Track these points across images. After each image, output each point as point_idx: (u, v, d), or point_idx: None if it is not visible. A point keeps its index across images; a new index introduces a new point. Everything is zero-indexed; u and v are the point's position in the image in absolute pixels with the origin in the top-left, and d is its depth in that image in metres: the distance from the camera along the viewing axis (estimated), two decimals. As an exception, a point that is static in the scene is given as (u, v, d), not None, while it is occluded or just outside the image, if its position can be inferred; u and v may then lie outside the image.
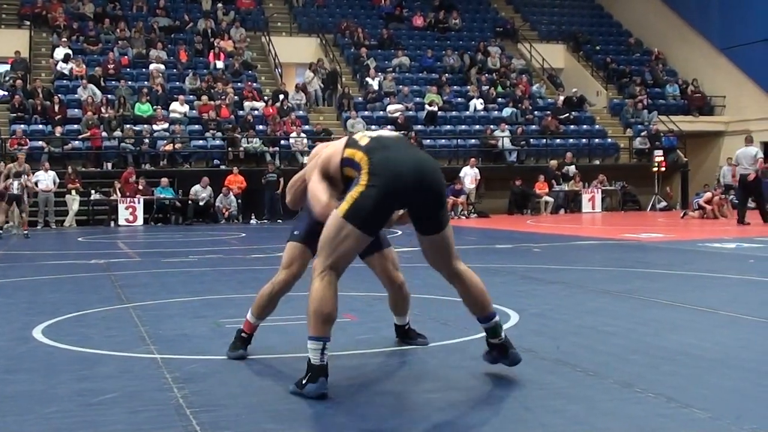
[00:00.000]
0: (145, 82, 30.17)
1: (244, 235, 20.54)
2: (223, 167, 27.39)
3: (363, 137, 5.06)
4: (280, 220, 25.91)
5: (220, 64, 31.90)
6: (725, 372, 5.38)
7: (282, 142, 28.79)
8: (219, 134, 28.25)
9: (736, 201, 22.78)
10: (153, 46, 31.95)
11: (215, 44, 32.72)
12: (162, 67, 31.06)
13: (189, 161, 27.99)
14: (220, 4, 35.41)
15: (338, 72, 33.08)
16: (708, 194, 25.17)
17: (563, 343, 6.34)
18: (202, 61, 32.27)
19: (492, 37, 37.62)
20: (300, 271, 5.82)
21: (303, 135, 28.83)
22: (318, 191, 5.10)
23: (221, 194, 26.06)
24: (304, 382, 4.77)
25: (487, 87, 33.29)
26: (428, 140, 29.59)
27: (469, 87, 33.18)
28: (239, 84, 31.07)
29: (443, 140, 30.19)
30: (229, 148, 28.00)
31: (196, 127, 28.65)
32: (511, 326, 7.06)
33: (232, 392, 4.99)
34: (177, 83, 30.72)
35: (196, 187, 25.81)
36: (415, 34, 37.14)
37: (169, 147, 27.46)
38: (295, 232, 5.86)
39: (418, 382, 5.21)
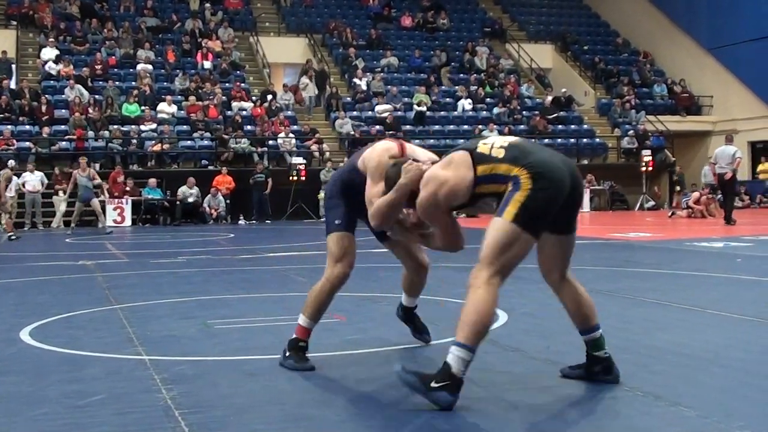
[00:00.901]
0: (133, 83, 30.13)
1: (232, 235, 20.52)
2: (211, 168, 27.38)
3: (493, 149, 4.85)
4: (268, 221, 25.90)
5: (208, 65, 31.87)
6: (713, 370, 5.39)
7: (270, 142, 28.78)
8: (207, 134, 28.24)
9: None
10: (141, 46, 31.91)
11: (203, 44, 32.69)
12: (150, 67, 31.02)
13: (177, 162, 27.96)
14: (207, 5, 35.39)
15: (327, 72, 33.06)
16: (696, 194, 25.27)
17: (553, 343, 6.35)
18: (189, 62, 32.22)
19: (480, 37, 37.68)
20: (353, 261, 5.67)
21: (291, 135, 28.84)
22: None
23: (209, 195, 26.03)
24: (435, 385, 4.49)
25: (476, 87, 33.32)
26: (417, 140, 29.53)
27: (457, 87, 33.20)
28: (227, 84, 31.04)
29: (432, 140, 30.18)
30: (218, 149, 27.98)
31: (184, 127, 28.63)
32: (501, 325, 7.07)
33: (221, 393, 4.97)
34: (165, 83, 30.68)
35: (183, 188, 25.76)
36: (403, 34, 37.18)
37: (157, 147, 27.44)
38: (337, 222, 5.63)
39: (397, 386, 5.20)
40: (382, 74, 33.19)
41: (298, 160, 27.47)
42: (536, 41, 38.77)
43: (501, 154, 4.78)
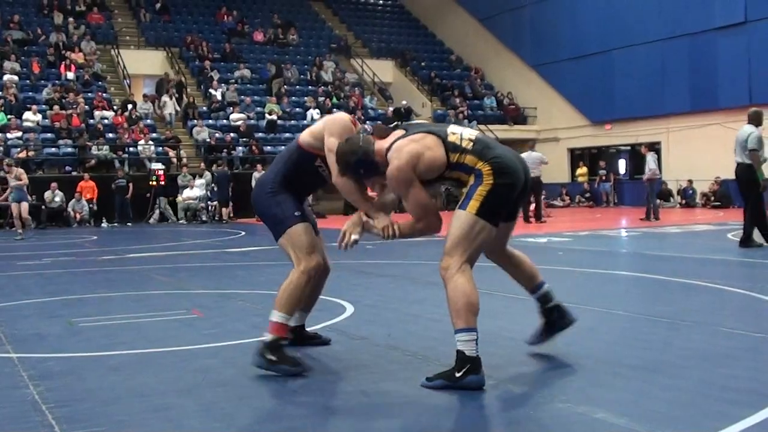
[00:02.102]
0: (-1, 93, 29.18)
1: (95, 237, 20.04)
2: (75, 173, 26.69)
3: (462, 140, 4.86)
4: (129, 224, 25.40)
5: (71, 76, 31.07)
6: (536, 351, 5.55)
7: (131, 149, 28.22)
8: (70, 142, 27.54)
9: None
10: (7, 58, 30.89)
11: (67, 56, 31.86)
12: (15, 78, 30.07)
13: (42, 168, 27.14)
14: (71, 19, 34.56)
15: (183, 83, 32.64)
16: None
17: (395, 331, 6.42)
18: (54, 73, 31.35)
19: (327, 52, 37.76)
20: (323, 250, 5.48)
21: (151, 142, 28.37)
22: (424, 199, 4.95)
23: (74, 199, 25.38)
24: (459, 375, 4.55)
25: (323, 98, 33.39)
26: (269, 147, 29.47)
27: (305, 98, 33.19)
28: (90, 94, 30.32)
29: (282, 147, 30.08)
30: (80, 156, 27.31)
31: (49, 135, 27.82)
32: (347, 317, 7.12)
33: (87, 388, 4.87)
34: (30, 93, 29.77)
35: (47, 193, 25.06)
36: (256, 48, 36.95)
37: (23, 154, 26.57)
38: (296, 213, 5.23)
39: (252, 376, 5.20)
40: (236, 85, 32.96)
41: (157, 166, 27.04)
42: (378, 57, 39.06)
43: (470, 146, 4.84)
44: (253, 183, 21.99)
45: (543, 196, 23.66)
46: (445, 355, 5.38)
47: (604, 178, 32.39)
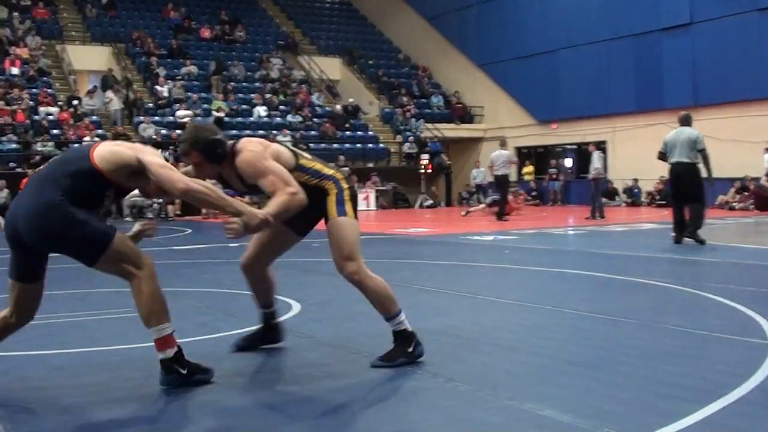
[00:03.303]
0: (-58, 88, 28.68)
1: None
2: (19, 170, 26.28)
3: (303, 152, 5.21)
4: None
5: (15, 71, 30.63)
6: (483, 349, 5.56)
7: (75, 145, 27.88)
8: (15, 138, 27.15)
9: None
10: (-50, 53, 30.44)
11: (11, 51, 31.40)
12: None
13: (-15, 164, 26.75)
14: (16, 13, 34.08)
15: (129, 79, 32.32)
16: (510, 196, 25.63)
17: (341, 330, 6.39)
18: (-2, 68, 30.93)
19: (274, 49, 37.62)
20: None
21: (97, 139, 28.04)
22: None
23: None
24: (412, 349, 5.09)
25: (270, 95, 33.26)
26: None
27: (252, 95, 33.03)
28: (34, 90, 29.91)
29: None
30: (25, 152, 26.92)
31: (-7, 131, 27.42)
32: (294, 315, 7.08)
33: (29, 386, 4.81)
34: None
35: (-7, 189, 24.68)
36: (202, 44, 36.70)
37: (-35, 150, 26.19)
38: (109, 224, 4.59)
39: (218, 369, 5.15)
40: (182, 82, 32.70)
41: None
42: (326, 54, 38.99)
43: (309, 156, 5.19)
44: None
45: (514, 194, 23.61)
46: (392, 353, 5.38)
47: (554, 176, 32.62)
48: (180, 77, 33.07)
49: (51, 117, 28.62)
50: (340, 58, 39.14)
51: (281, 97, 33.56)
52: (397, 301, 5.15)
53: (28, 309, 4.82)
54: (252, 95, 33.17)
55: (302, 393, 4.54)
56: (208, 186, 4.53)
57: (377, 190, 30.68)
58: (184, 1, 39.07)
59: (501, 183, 21.53)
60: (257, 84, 34.46)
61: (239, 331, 6.09)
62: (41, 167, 4.69)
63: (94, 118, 29.65)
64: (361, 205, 29.64)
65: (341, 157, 30.66)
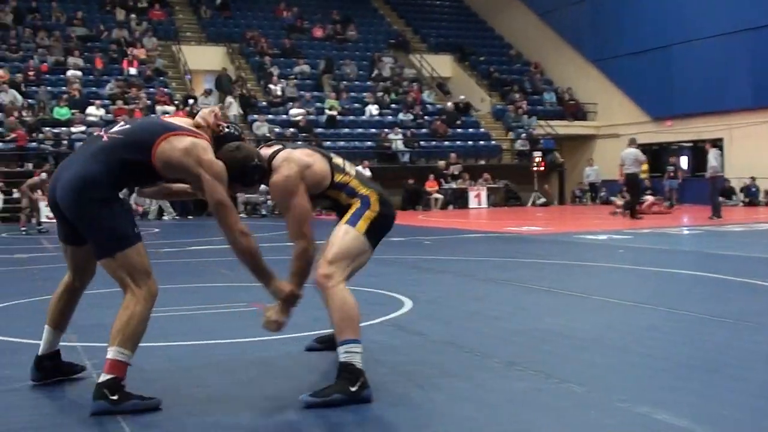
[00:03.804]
0: (63, 88, 29.59)
1: (158, 230, 20.22)
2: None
3: (345, 165, 4.93)
4: (190, 216, 25.62)
5: (133, 71, 31.46)
6: (597, 350, 5.50)
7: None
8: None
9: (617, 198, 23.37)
10: (71, 53, 31.38)
11: (129, 52, 32.28)
12: (79, 73, 30.53)
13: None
14: (133, 15, 35.00)
15: (243, 78, 32.88)
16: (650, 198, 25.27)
17: (453, 328, 6.39)
18: (116, 68, 31.75)
19: (385, 48, 37.78)
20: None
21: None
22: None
23: (135, 193, 25.55)
24: (355, 389, 4.32)
25: (382, 94, 33.42)
26: (328, 142, 29.54)
27: (364, 94, 33.24)
28: (152, 89, 30.67)
29: (342, 142, 30.17)
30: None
31: (112, 129, 28.20)
32: (405, 312, 7.11)
33: (145, 377, 4.90)
34: (93, 89, 30.20)
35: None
36: (315, 44, 37.08)
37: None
38: (136, 230, 4.42)
39: (309, 368, 5.21)
40: (295, 81, 33.11)
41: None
42: (437, 52, 38.94)
43: (353, 171, 4.91)
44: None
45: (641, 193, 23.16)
46: (505, 353, 5.37)
47: (671, 174, 31.93)
48: (293, 76, 33.49)
49: (167, 116, 29.27)
50: (451, 56, 39.05)
51: (392, 96, 33.68)
52: (359, 332, 4.47)
53: (85, 269, 4.77)
54: (364, 94, 33.37)
55: (413, 391, 4.56)
56: (253, 250, 4.43)
57: (489, 188, 30.57)
58: (296, 1, 39.52)
59: (631, 182, 21.24)
60: (369, 83, 34.67)
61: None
62: (100, 133, 4.53)
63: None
64: (473, 203, 29.62)
65: (452, 155, 30.64)
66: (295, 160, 4.69)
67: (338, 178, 4.79)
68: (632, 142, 21.76)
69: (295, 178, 4.62)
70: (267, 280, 4.53)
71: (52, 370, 4.81)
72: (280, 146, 4.88)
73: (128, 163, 4.32)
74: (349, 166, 4.93)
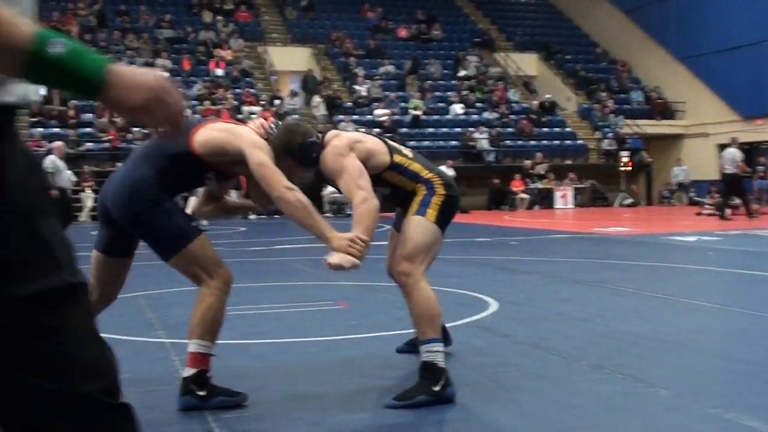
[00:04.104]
0: (153, 89, 30.20)
1: (244, 229, 20.48)
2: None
3: (403, 148, 4.85)
4: (277, 216, 25.87)
5: (220, 72, 31.95)
6: (685, 354, 5.43)
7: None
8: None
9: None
10: (158, 55, 31.96)
11: (215, 54, 32.80)
12: (167, 74, 31.08)
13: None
14: (219, 17, 35.52)
15: (329, 79, 33.13)
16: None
17: (539, 330, 6.36)
18: (203, 69, 32.26)
19: (470, 47, 37.70)
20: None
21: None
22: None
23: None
24: (438, 388, 4.30)
25: (467, 93, 33.36)
26: (413, 142, 29.57)
27: (449, 93, 33.22)
28: (238, 90, 31.09)
29: (426, 142, 30.20)
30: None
31: (200, 129, 28.67)
32: (491, 313, 7.10)
33: (233, 374, 4.97)
34: (181, 89, 30.73)
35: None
36: (399, 44, 37.16)
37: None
38: (194, 224, 4.40)
39: (394, 367, 5.23)
40: (380, 81, 33.24)
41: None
42: (522, 50, 38.72)
43: (410, 154, 4.80)
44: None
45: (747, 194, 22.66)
46: (592, 356, 5.33)
47: (761, 175, 31.24)
48: (378, 77, 33.63)
49: (254, 116, 29.66)
50: (536, 54, 38.80)
51: (478, 95, 33.61)
52: (439, 330, 4.47)
53: (112, 284, 4.64)
54: (448, 93, 33.36)
55: (498, 393, 4.56)
56: (303, 202, 4.17)
57: (575, 188, 30.31)
58: (381, 2, 39.65)
59: (730, 182, 20.88)
60: (453, 82, 34.64)
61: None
62: (146, 142, 4.57)
63: (296, 116, 30.52)
64: (559, 203, 29.39)
65: (538, 154, 30.45)
66: (344, 135, 4.63)
67: (397, 158, 4.69)
68: (733, 142, 21.42)
69: (343, 147, 4.47)
70: (321, 232, 4.21)
71: None
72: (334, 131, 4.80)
73: (171, 158, 4.30)
74: (406, 151, 4.83)
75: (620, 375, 4.83)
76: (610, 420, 4.06)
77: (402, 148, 4.85)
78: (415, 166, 4.71)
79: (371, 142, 4.67)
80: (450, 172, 27.92)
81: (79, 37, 31.49)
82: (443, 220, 4.66)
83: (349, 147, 4.48)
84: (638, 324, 6.45)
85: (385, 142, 4.76)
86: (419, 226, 4.60)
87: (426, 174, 4.69)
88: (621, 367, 4.99)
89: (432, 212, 4.61)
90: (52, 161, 16.09)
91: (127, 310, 7.64)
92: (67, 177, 18.48)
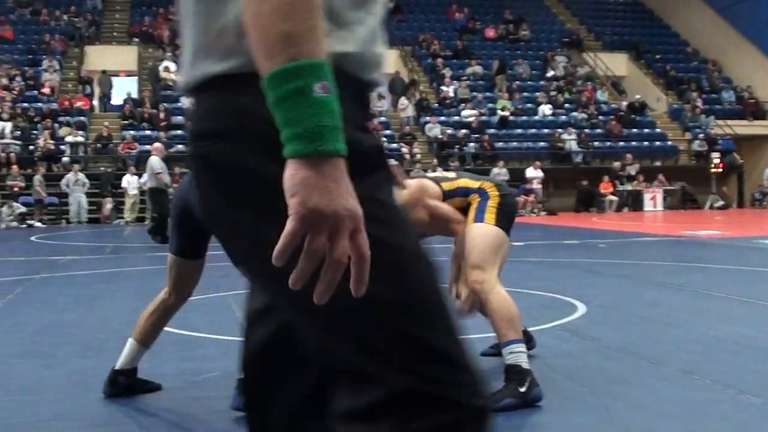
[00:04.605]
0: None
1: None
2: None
3: (443, 173, 5.12)
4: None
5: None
6: (778, 361, 5.32)
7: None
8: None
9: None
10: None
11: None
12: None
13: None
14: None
15: (416, 81, 33.17)
16: None
17: (627, 334, 6.29)
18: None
19: (558, 47, 37.40)
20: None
21: (384, 139, 28.98)
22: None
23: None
24: (525, 389, 4.30)
25: (555, 93, 33.11)
26: (500, 143, 29.52)
27: (537, 94, 33.02)
28: (326, 92, 31.34)
29: (514, 143, 30.09)
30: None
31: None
32: (579, 316, 7.04)
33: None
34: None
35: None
36: (487, 44, 37.05)
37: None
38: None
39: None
40: (467, 82, 33.17)
41: (391, 162, 27.54)
42: (611, 50, 38.28)
43: (452, 174, 4.98)
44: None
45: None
46: (681, 361, 5.25)
47: None
48: (465, 77, 33.57)
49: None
50: (626, 54, 38.32)
51: (566, 95, 33.34)
52: (520, 331, 4.48)
53: (186, 286, 4.74)
54: (536, 94, 33.16)
55: (587, 397, 4.52)
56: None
57: (664, 190, 29.84)
58: (468, 2, 39.57)
59: None
60: (542, 82, 34.40)
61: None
62: None
63: (383, 119, 30.63)
64: (648, 205, 28.98)
65: (628, 156, 30.06)
66: (413, 183, 4.80)
67: (446, 186, 4.84)
68: None
69: (409, 196, 4.65)
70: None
71: (124, 388, 4.64)
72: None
73: None
74: (443, 174, 5.05)
75: (710, 381, 4.75)
76: (702, 427, 4.00)
77: (446, 174, 5.07)
78: (462, 182, 4.86)
79: (426, 182, 4.87)
80: (538, 174, 27.78)
81: (170, 42, 32.14)
82: (503, 220, 4.71)
83: (414, 194, 4.69)
84: (727, 329, 6.33)
85: (428, 179, 4.97)
86: (478, 234, 4.66)
87: (475, 184, 4.82)
88: (710, 374, 4.91)
89: (490, 216, 4.68)
90: (158, 161, 16.31)
91: (216, 309, 7.78)
92: (168, 177, 18.86)
